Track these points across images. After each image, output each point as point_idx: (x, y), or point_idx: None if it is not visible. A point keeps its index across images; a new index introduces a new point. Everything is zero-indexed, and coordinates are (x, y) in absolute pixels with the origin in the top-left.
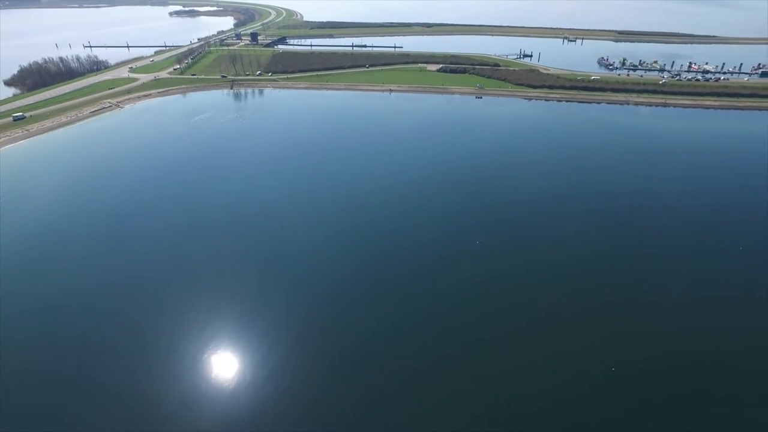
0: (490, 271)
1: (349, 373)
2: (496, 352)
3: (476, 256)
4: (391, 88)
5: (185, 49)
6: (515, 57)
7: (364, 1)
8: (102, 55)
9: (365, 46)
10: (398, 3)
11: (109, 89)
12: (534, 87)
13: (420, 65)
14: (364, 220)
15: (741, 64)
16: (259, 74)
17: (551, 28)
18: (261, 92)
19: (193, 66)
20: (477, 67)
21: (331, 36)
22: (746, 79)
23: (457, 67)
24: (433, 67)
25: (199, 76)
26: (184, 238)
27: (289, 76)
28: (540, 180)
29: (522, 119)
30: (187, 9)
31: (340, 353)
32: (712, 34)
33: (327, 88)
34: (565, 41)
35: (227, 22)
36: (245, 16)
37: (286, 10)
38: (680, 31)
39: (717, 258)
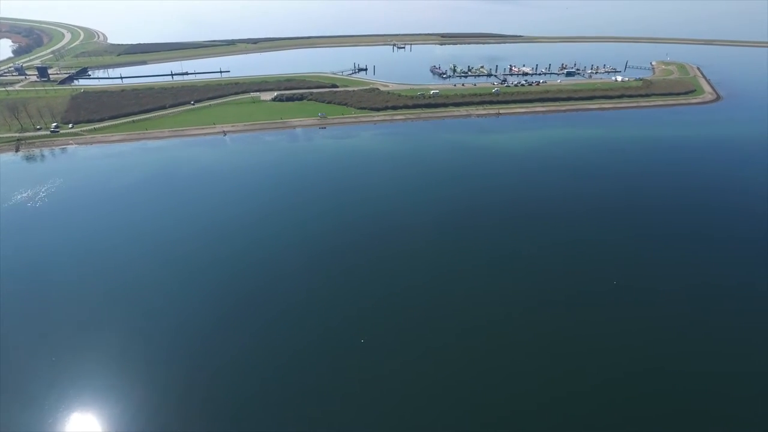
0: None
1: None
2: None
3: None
4: (225, 129)
5: None
6: (350, 72)
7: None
8: None
9: (187, 73)
10: (217, 17)
11: None
12: (377, 110)
13: (252, 95)
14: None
15: (550, 64)
16: (56, 127)
17: (379, 35)
18: (63, 151)
19: None
20: (315, 91)
21: (144, 62)
22: (559, 81)
23: (293, 93)
24: (268, 96)
25: None
26: None
27: (96, 126)
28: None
29: (377, 149)
30: None
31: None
32: (518, 34)
33: (148, 138)
34: (395, 48)
35: (2, 48)
36: (29, 39)
37: (83, 29)
38: (492, 32)
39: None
